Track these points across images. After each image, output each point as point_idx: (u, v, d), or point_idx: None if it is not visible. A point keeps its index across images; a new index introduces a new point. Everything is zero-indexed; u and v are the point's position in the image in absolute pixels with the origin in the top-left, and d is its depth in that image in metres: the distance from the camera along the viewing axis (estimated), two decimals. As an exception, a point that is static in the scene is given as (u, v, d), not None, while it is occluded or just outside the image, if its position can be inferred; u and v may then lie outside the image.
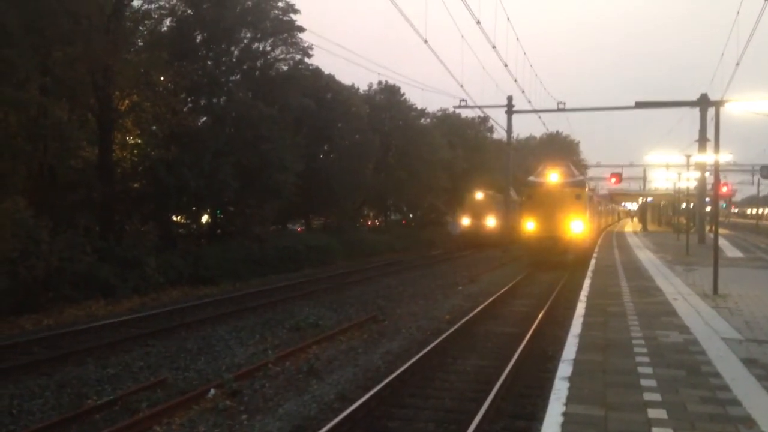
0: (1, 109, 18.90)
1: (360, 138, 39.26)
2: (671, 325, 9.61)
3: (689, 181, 34.11)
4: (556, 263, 26.62)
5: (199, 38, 28.02)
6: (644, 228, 56.16)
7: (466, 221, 42.20)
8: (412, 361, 11.06)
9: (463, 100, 37.60)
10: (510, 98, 39.07)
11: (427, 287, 22.23)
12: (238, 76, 29.62)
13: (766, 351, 7.95)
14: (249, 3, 29.15)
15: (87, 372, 11.02)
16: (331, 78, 38.30)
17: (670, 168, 45.29)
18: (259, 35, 30.21)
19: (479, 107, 40.22)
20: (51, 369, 11.17)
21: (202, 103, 28.22)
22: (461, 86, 43.48)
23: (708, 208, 33.65)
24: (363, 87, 45.49)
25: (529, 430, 8.02)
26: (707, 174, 30.14)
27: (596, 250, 27.01)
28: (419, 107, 50.10)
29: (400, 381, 10.10)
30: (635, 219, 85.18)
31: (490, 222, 41.67)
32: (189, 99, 27.74)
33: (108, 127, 22.45)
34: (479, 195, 42.54)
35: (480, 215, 41.75)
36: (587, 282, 15.29)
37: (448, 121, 54.39)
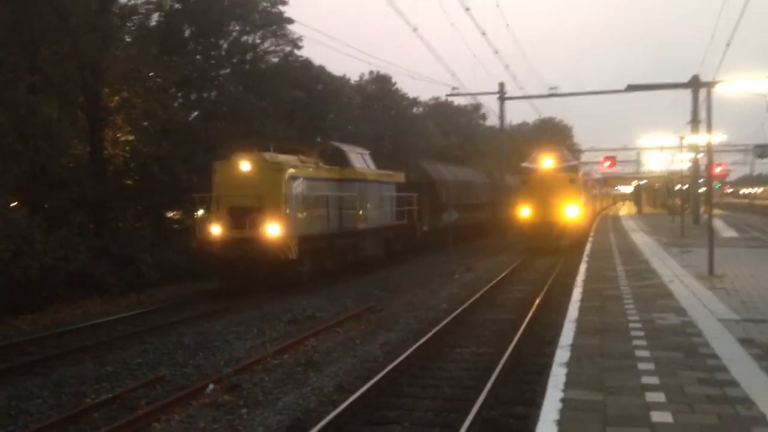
0: (-11, 108, 18.81)
1: (352, 128, 39.16)
2: (668, 308, 9.63)
3: (683, 162, 34.18)
4: (552, 249, 26.67)
5: (187, 32, 27.87)
6: (639, 211, 56.36)
7: (216, 230, 18.51)
8: (410, 350, 11.06)
9: (455, 87, 37.52)
10: (502, 84, 38.98)
11: (423, 277, 22.23)
12: (228, 70, 29.48)
13: (762, 330, 7.98)
14: (237, -5, 29.00)
15: (85, 370, 10.96)
16: (321, 69, 38.12)
17: (664, 150, 45.48)
18: (248, 28, 30.07)
19: (471, 94, 40.15)
20: (48, 369, 11.11)
21: (193, 98, 28.11)
22: (453, 74, 43.37)
23: (702, 189, 33.75)
24: (354, 77, 45.37)
25: (528, 416, 8.02)
26: (701, 155, 30.19)
27: (591, 234, 27.06)
28: (411, 96, 50.09)
29: (398, 371, 10.10)
30: (627, 203, 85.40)
31: (272, 230, 17.83)
32: (179, 94, 27.64)
33: (98, 124, 22.34)
34: (245, 165, 18.25)
35: (251, 213, 18.01)
36: (583, 266, 15.33)
37: (440, 110, 54.38)
